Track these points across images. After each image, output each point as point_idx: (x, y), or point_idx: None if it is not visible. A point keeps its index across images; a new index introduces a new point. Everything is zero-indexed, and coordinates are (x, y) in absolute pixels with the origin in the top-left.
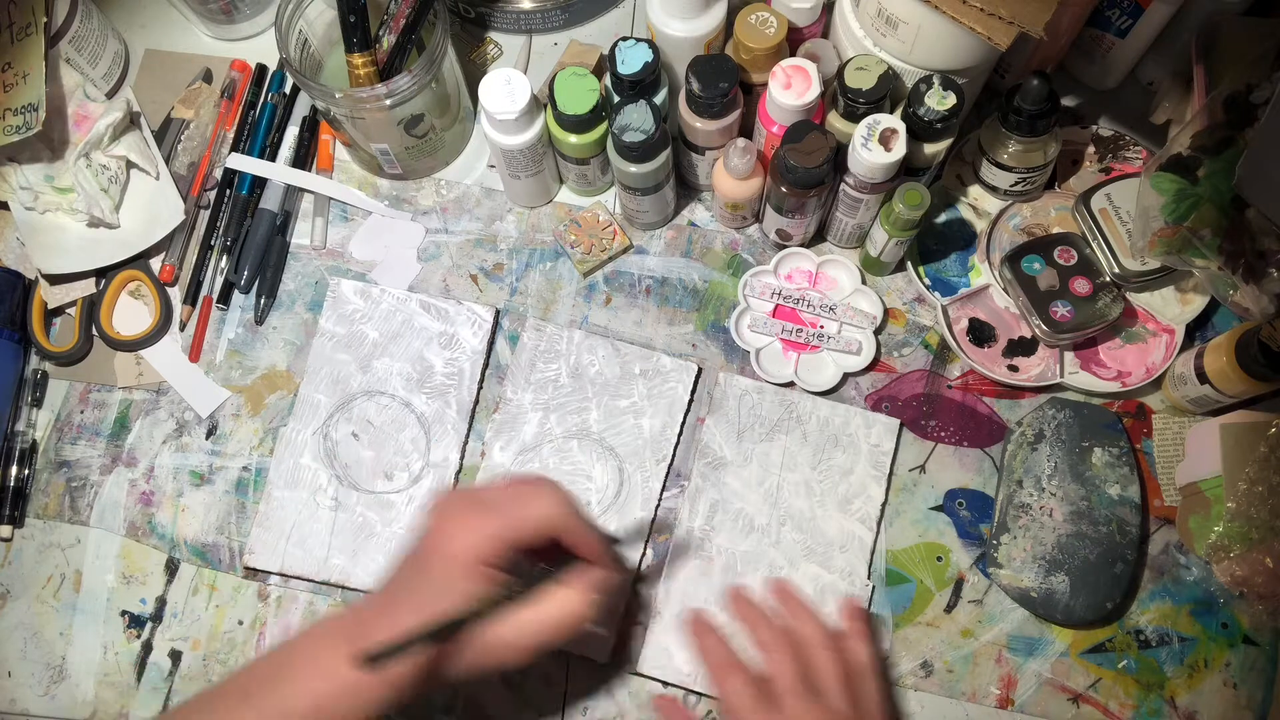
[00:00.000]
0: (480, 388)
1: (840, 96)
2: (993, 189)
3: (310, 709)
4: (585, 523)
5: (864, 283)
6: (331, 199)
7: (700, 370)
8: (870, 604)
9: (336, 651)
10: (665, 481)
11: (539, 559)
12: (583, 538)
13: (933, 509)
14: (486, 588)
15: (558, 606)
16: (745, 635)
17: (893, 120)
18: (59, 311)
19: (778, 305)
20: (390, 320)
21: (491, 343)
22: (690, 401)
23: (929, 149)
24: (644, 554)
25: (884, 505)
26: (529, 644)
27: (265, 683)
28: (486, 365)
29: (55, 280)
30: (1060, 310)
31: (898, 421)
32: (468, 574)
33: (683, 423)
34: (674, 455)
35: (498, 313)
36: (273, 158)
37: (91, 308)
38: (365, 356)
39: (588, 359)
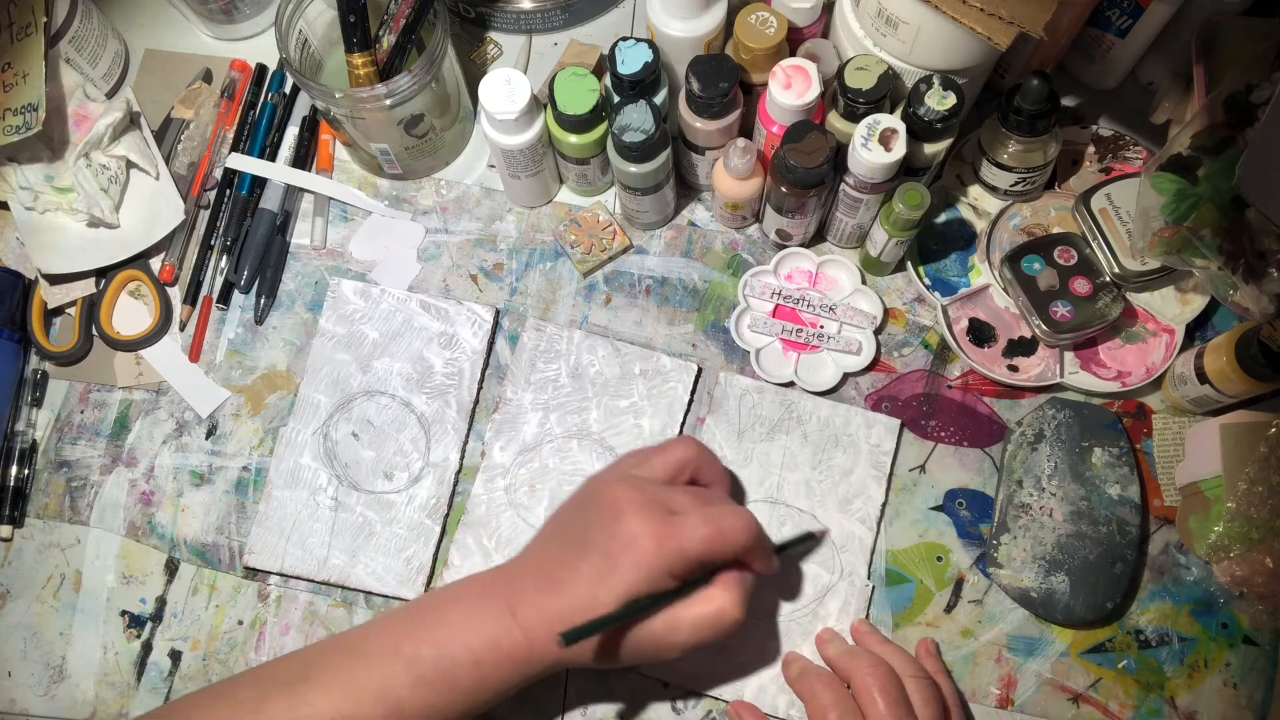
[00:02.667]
0: (480, 388)
1: (840, 96)
2: (993, 189)
3: (470, 663)
4: (766, 544)
5: (864, 283)
6: (331, 199)
7: (700, 370)
8: (870, 604)
9: (497, 611)
10: None
11: None
12: (761, 560)
13: (933, 509)
14: (664, 588)
15: (713, 609)
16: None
17: (893, 120)
18: (59, 311)
19: (778, 305)
20: (390, 320)
21: (491, 343)
22: (690, 401)
23: (929, 149)
24: None
25: (884, 505)
26: (683, 641)
27: (418, 636)
28: (486, 365)
29: (55, 280)
30: (1060, 310)
31: (898, 421)
32: (652, 580)
33: (683, 423)
34: None
35: (498, 313)
36: (273, 158)
37: (91, 308)
38: (365, 356)
39: (588, 359)
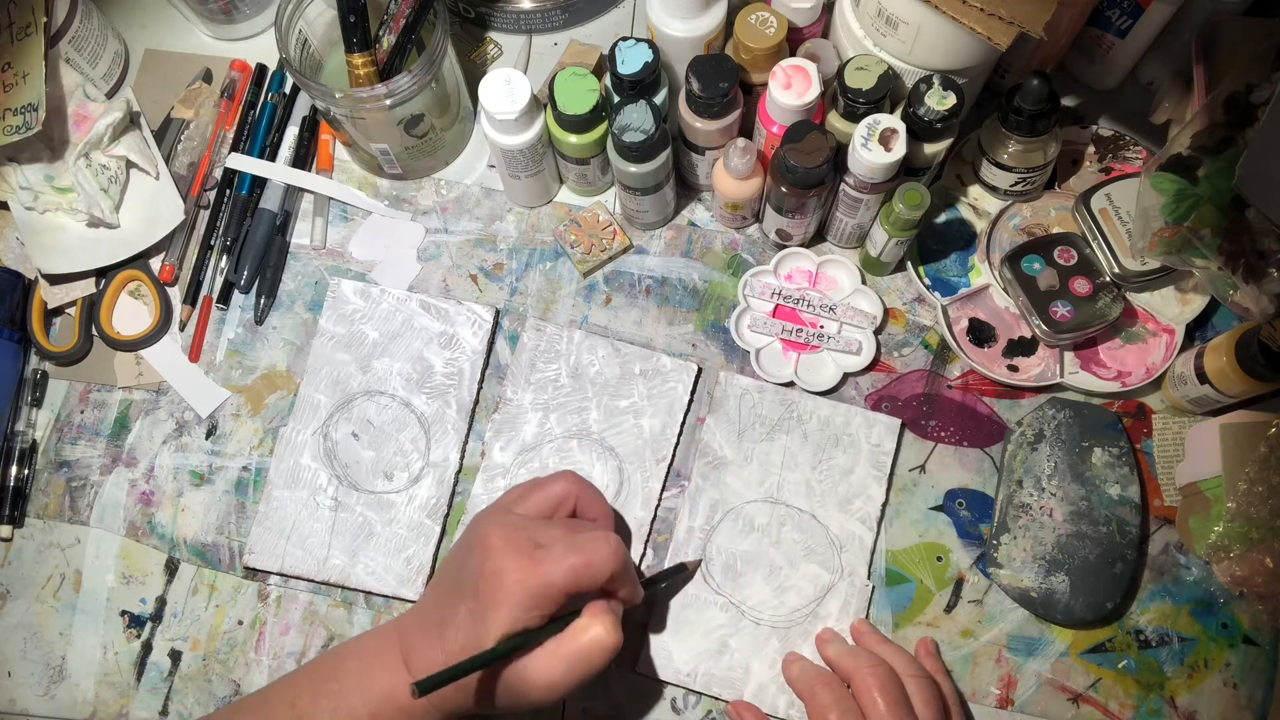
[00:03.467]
0: (480, 388)
1: (840, 96)
2: (993, 189)
3: (367, 717)
4: (632, 573)
5: (864, 283)
6: (331, 199)
7: (700, 370)
8: (870, 604)
9: (393, 663)
10: (665, 481)
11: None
12: (628, 588)
13: (933, 509)
14: (516, 628)
15: (589, 638)
16: (834, 669)
17: (893, 120)
18: (59, 311)
19: (778, 305)
20: (390, 320)
21: (491, 342)
22: (690, 401)
23: (929, 149)
24: (644, 554)
25: (884, 505)
26: (563, 678)
27: (314, 693)
28: (486, 365)
29: (55, 280)
30: (1060, 310)
31: (899, 421)
32: (520, 618)
33: (683, 423)
34: (674, 455)
35: (497, 313)
36: (273, 158)
37: (91, 308)
38: (365, 356)
39: (587, 359)
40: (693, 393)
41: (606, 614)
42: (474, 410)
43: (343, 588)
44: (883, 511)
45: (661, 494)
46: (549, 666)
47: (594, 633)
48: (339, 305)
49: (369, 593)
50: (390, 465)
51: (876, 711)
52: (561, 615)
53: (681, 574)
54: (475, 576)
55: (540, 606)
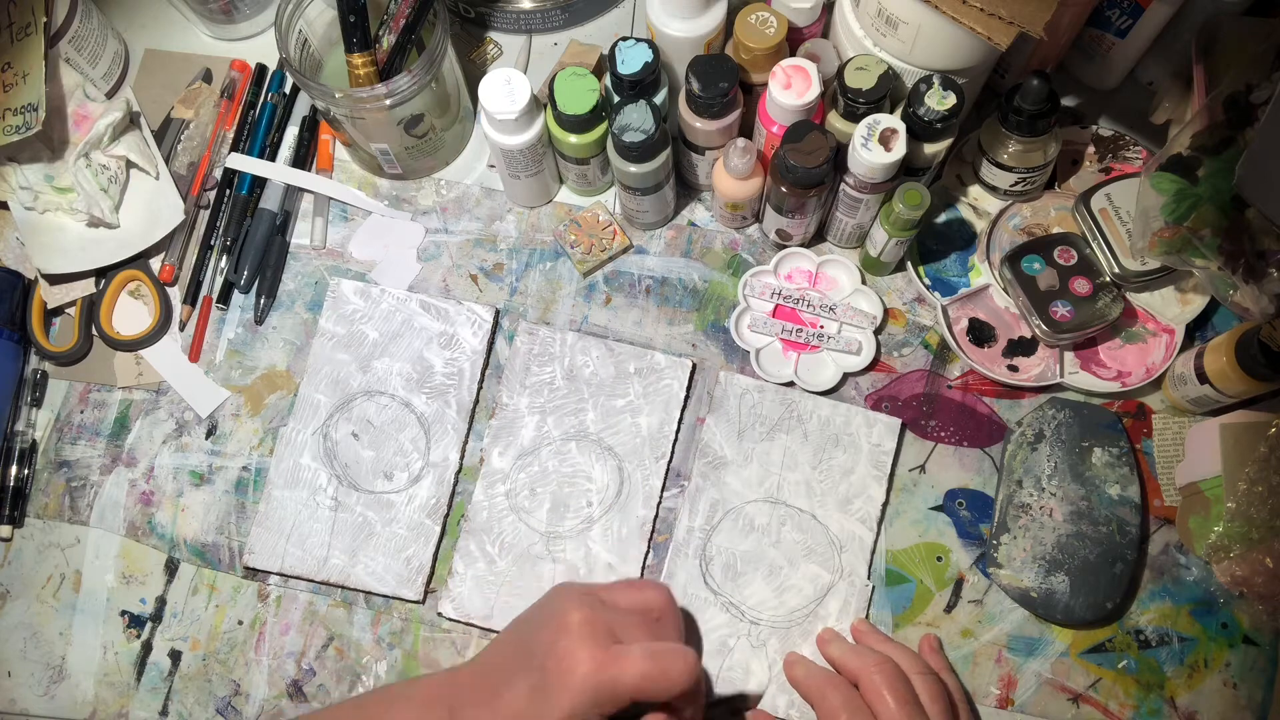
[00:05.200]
0: (480, 388)
1: (840, 96)
2: (993, 189)
3: None
4: (702, 691)
5: (864, 283)
6: (331, 199)
7: (695, 366)
8: (870, 604)
9: (437, 718)
10: (665, 479)
11: None
12: (693, 708)
13: (933, 509)
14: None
15: None
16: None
17: (893, 120)
18: (59, 311)
19: (778, 305)
20: (390, 320)
21: (491, 342)
22: (686, 397)
23: (929, 149)
24: (646, 552)
25: (885, 505)
26: None
27: None
28: (486, 365)
29: (55, 280)
30: (1060, 310)
31: (899, 421)
32: (580, 711)
33: (680, 419)
34: (673, 452)
35: (497, 312)
36: (272, 158)
37: (91, 308)
38: (365, 356)
39: (581, 360)
40: (689, 389)
41: None
42: (474, 410)
43: (343, 587)
44: (883, 511)
45: (662, 492)
46: None
47: None
48: (339, 305)
49: (369, 593)
50: (390, 465)
51: (887, 710)
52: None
53: (742, 701)
54: (545, 652)
55: (603, 705)
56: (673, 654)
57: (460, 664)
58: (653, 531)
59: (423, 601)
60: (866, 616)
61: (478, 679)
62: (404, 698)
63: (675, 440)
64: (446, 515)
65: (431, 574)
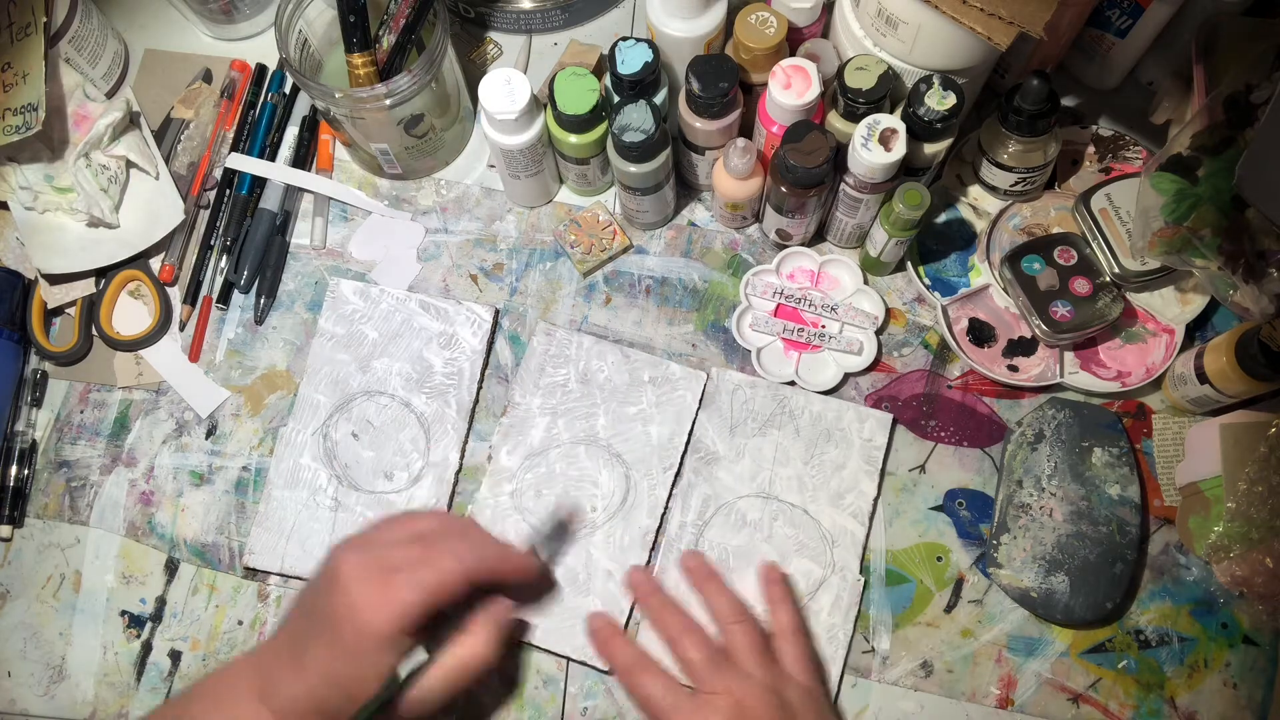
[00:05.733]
0: (480, 387)
1: (840, 96)
2: (993, 189)
3: None
4: (497, 556)
5: (866, 283)
6: (331, 199)
7: (709, 378)
8: (862, 600)
9: (245, 700)
10: (671, 490)
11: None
12: (499, 572)
13: (933, 509)
14: (399, 659)
15: (462, 655)
16: (652, 625)
17: (893, 120)
18: (59, 311)
19: (779, 305)
20: (390, 320)
21: (491, 342)
22: (698, 410)
23: (929, 149)
24: (648, 561)
25: (876, 500)
26: (436, 700)
27: None
28: (486, 365)
29: (55, 280)
30: (1060, 310)
31: (890, 416)
32: (382, 647)
33: (690, 431)
34: (681, 464)
35: (497, 312)
36: (272, 158)
37: (91, 308)
38: (365, 356)
39: (596, 364)
40: (701, 401)
41: (483, 628)
42: (474, 410)
43: None
44: (874, 506)
45: (668, 502)
46: (426, 682)
47: (465, 647)
48: (338, 305)
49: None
50: (390, 465)
51: (694, 670)
52: (441, 634)
53: (565, 530)
54: (329, 609)
55: (406, 630)
56: (443, 555)
57: (257, 644)
58: (655, 542)
59: None
60: (859, 612)
61: (277, 652)
62: (199, 696)
63: (685, 452)
64: None
65: None
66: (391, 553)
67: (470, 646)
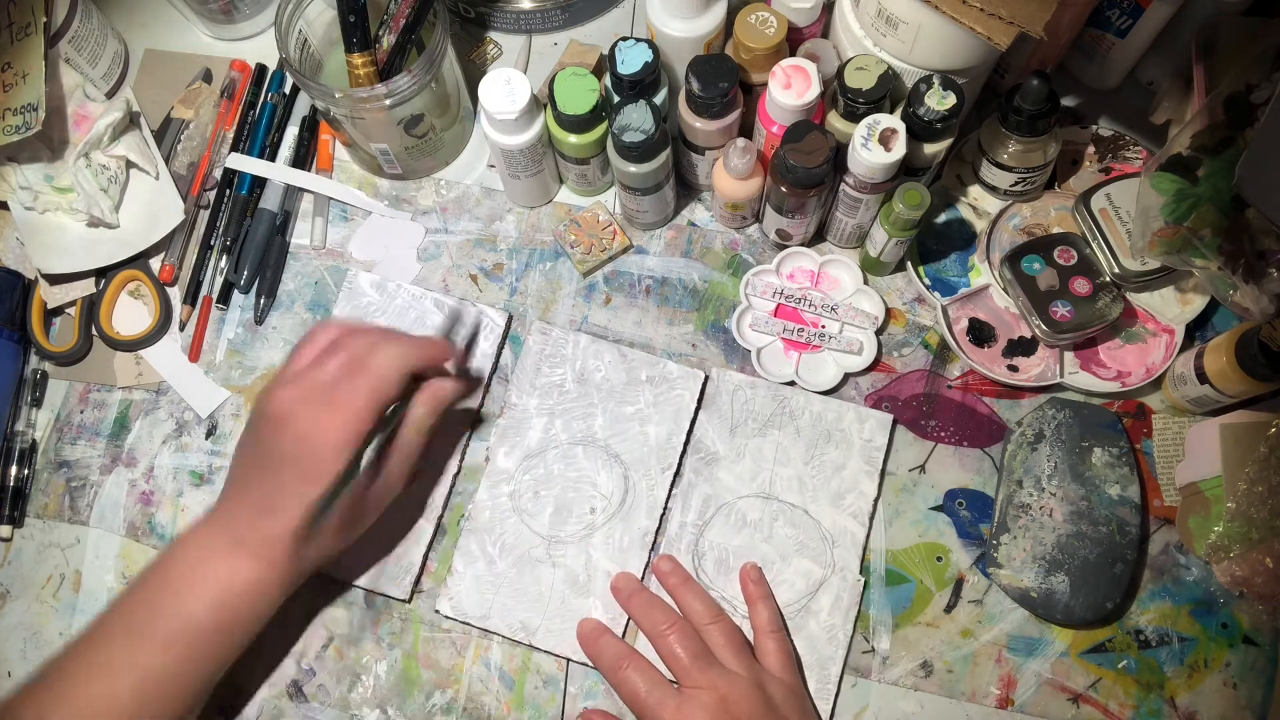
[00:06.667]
0: (486, 392)
1: (840, 96)
2: (993, 189)
3: (210, 621)
4: (420, 344)
5: (866, 283)
6: (331, 199)
7: (707, 378)
8: (862, 600)
9: (223, 554)
10: (671, 490)
11: None
12: (427, 358)
13: (933, 509)
14: (357, 455)
15: (411, 432)
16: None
17: (893, 120)
18: (59, 311)
19: (779, 305)
20: (403, 316)
21: (501, 347)
22: (697, 410)
23: (929, 149)
24: (647, 562)
25: (876, 500)
26: (397, 477)
27: (149, 610)
28: (495, 369)
29: (55, 280)
30: (1060, 310)
31: (890, 417)
32: (341, 458)
33: (689, 431)
34: (680, 463)
35: (510, 318)
36: (272, 158)
37: (91, 307)
38: None
39: (593, 364)
40: (699, 400)
41: (426, 399)
42: (478, 413)
43: (343, 585)
44: (875, 507)
45: (667, 502)
46: (392, 464)
47: (413, 422)
48: (354, 297)
49: (370, 592)
50: None
51: (675, 666)
52: (391, 422)
53: (460, 318)
54: (281, 449)
55: (361, 435)
56: (371, 350)
57: (207, 513)
58: (654, 542)
59: (409, 600)
60: (859, 612)
61: (240, 504)
62: (174, 560)
63: (683, 452)
64: (441, 516)
65: (420, 572)
66: (318, 375)
67: (416, 421)
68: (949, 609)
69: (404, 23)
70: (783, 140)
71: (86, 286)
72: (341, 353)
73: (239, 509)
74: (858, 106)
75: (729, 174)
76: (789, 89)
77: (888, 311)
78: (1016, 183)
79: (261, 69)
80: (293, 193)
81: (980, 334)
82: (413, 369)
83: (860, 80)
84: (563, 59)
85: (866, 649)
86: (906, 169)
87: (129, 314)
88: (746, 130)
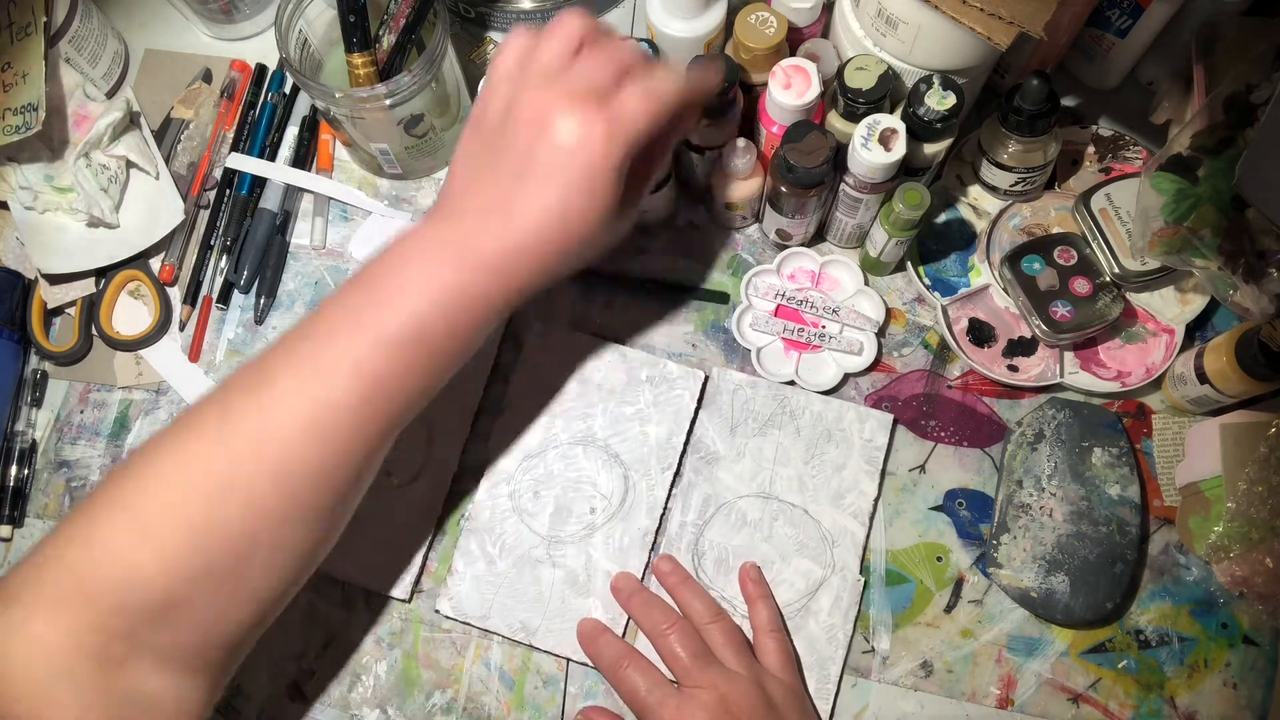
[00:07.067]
0: (485, 391)
1: (840, 96)
2: (993, 189)
3: (440, 317)
4: (692, 74)
5: (866, 284)
6: (331, 199)
7: (707, 378)
8: (862, 600)
9: (453, 257)
10: (671, 490)
11: None
12: (700, 89)
13: (933, 509)
14: (618, 199)
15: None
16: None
17: (893, 120)
18: (59, 311)
19: (780, 305)
20: None
21: (501, 347)
22: (697, 410)
23: (929, 149)
24: (648, 562)
25: (876, 500)
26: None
27: (380, 304)
28: (495, 368)
29: (55, 280)
30: (1060, 310)
31: (891, 417)
32: (612, 179)
33: (689, 431)
34: (680, 463)
35: (510, 318)
36: (272, 158)
37: (91, 307)
38: None
39: (593, 364)
40: (699, 400)
41: (700, 76)
42: (477, 413)
43: (343, 584)
44: (875, 506)
45: (667, 502)
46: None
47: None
48: None
49: (370, 592)
50: (390, 463)
51: (675, 665)
52: None
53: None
54: (542, 148)
55: (629, 153)
56: (657, 76)
57: (431, 214)
58: (654, 542)
59: (409, 600)
60: (859, 612)
61: (475, 208)
62: (403, 260)
63: (683, 452)
64: (441, 516)
65: (421, 572)
66: (589, 77)
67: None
68: (949, 609)
69: (404, 23)
70: (783, 140)
71: (86, 286)
72: (604, 56)
73: (467, 213)
74: (858, 106)
75: (729, 174)
76: (789, 89)
77: (888, 312)
78: (1016, 183)
79: (261, 69)
80: (293, 193)
81: (980, 334)
82: (689, 100)
83: (860, 80)
84: None
85: (866, 649)
86: (906, 169)
87: (129, 314)
88: (746, 130)
